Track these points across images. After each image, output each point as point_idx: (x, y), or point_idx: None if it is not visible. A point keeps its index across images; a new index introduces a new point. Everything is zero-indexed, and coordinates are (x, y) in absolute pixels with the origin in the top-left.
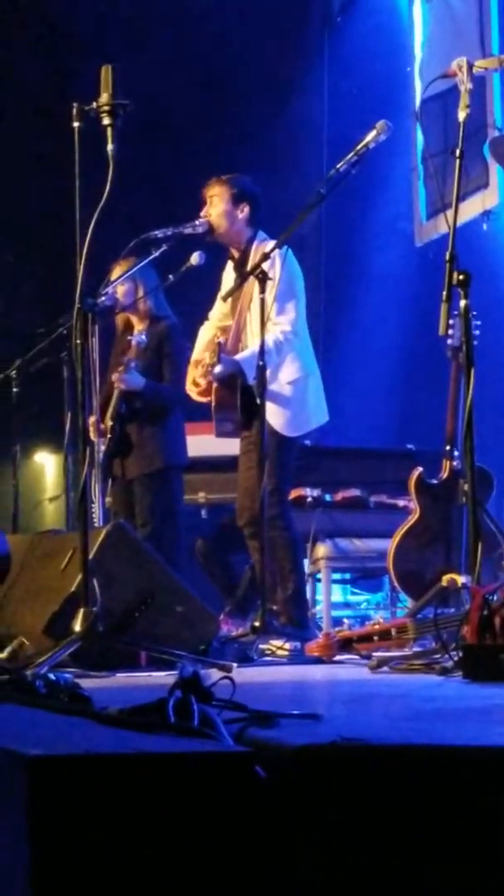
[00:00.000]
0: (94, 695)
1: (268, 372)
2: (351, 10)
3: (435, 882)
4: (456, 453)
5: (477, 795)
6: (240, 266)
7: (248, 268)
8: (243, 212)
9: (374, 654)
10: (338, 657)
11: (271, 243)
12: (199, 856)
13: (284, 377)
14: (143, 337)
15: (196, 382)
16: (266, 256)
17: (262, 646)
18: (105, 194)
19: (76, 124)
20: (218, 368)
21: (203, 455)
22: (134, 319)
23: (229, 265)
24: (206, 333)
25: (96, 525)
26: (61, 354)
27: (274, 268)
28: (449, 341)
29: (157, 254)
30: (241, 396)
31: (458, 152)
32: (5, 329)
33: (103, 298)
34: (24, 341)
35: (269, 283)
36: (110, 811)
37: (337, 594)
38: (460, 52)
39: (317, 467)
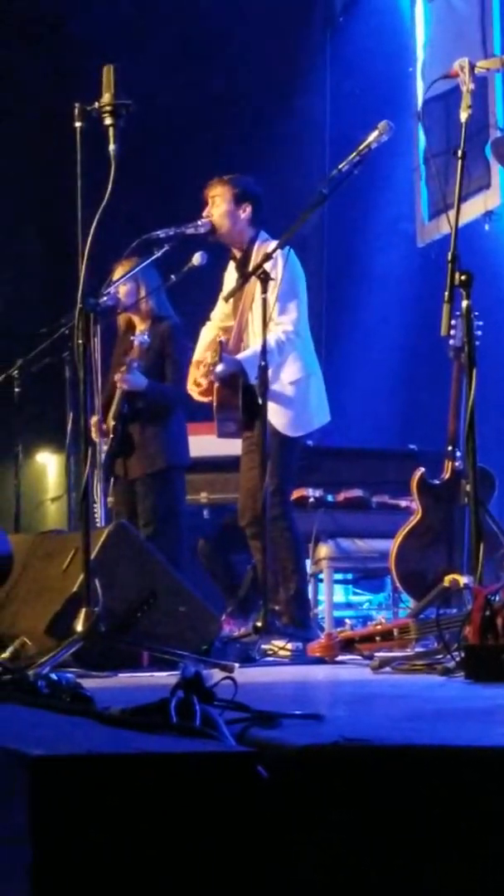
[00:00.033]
0: (96, 695)
1: (269, 372)
2: (353, 10)
3: (436, 882)
4: (458, 454)
5: (479, 796)
6: (241, 266)
7: (250, 268)
8: (245, 212)
9: (377, 654)
10: (340, 657)
11: (273, 243)
12: (200, 856)
13: (286, 377)
14: (146, 337)
15: (197, 382)
16: (268, 257)
17: (264, 646)
18: (107, 194)
19: (78, 124)
20: (219, 367)
21: (205, 455)
22: (136, 319)
23: (231, 265)
24: (208, 334)
25: (98, 525)
26: (63, 354)
27: (276, 268)
28: (451, 342)
29: (159, 254)
30: (242, 396)
31: (459, 153)
32: (7, 329)
33: (105, 298)
34: (25, 341)
35: (271, 284)
36: (112, 811)
37: (339, 594)
38: (462, 52)
39: (319, 467)
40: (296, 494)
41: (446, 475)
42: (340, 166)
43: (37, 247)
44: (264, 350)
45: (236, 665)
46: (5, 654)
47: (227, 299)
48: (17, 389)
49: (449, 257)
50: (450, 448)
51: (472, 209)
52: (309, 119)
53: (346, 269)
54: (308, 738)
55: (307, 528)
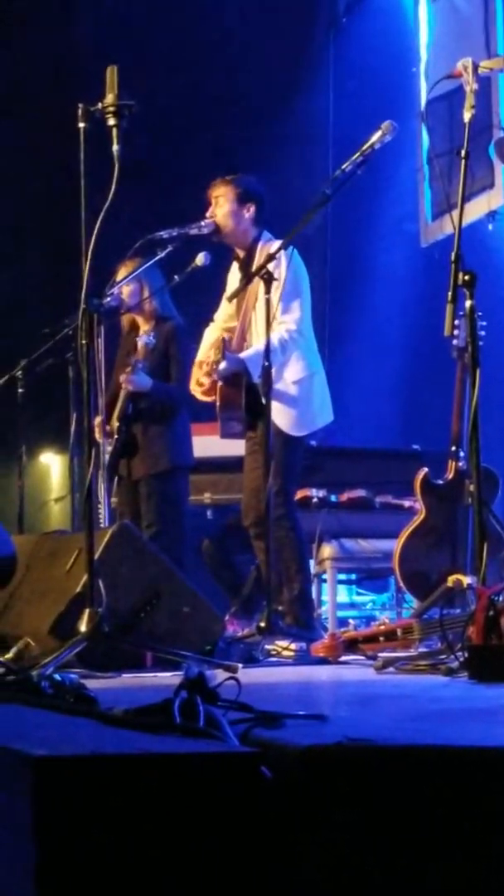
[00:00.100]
0: (99, 695)
1: (273, 371)
2: (356, 10)
3: (440, 882)
4: (461, 454)
5: (482, 796)
6: (245, 266)
7: (254, 268)
8: (249, 211)
9: (380, 654)
10: (343, 658)
11: (276, 243)
12: (204, 856)
13: (290, 376)
14: (152, 338)
15: (200, 382)
16: (271, 257)
17: (267, 646)
18: (110, 195)
19: (82, 125)
20: (222, 365)
21: (208, 456)
22: (139, 320)
23: (234, 266)
24: (212, 335)
25: (102, 526)
26: (67, 355)
27: (279, 268)
28: (454, 342)
29: (162, 254)
30: (245, 395)
31: (463, 153)
32: (11, 329)
33: (109, 299)
34: (29, 342)
35: (275, 284)
36: (115, 811)
37: (342, 595)
38: (466, 52)
39: (322, 468)
40: (299, 495)
41: (450, 475)
42: (344, 166)
43: (37, 247)
44: (268, 350)
45: (240, 665)
46: (9, 655)
47: (230, 300)
48: (20, 390)
49: (452, 257)
50: (453, 448)
51: (476, 209)
52: (312, 119)
53: (349, 270)
54: (311, 739)
55: (311, 528)
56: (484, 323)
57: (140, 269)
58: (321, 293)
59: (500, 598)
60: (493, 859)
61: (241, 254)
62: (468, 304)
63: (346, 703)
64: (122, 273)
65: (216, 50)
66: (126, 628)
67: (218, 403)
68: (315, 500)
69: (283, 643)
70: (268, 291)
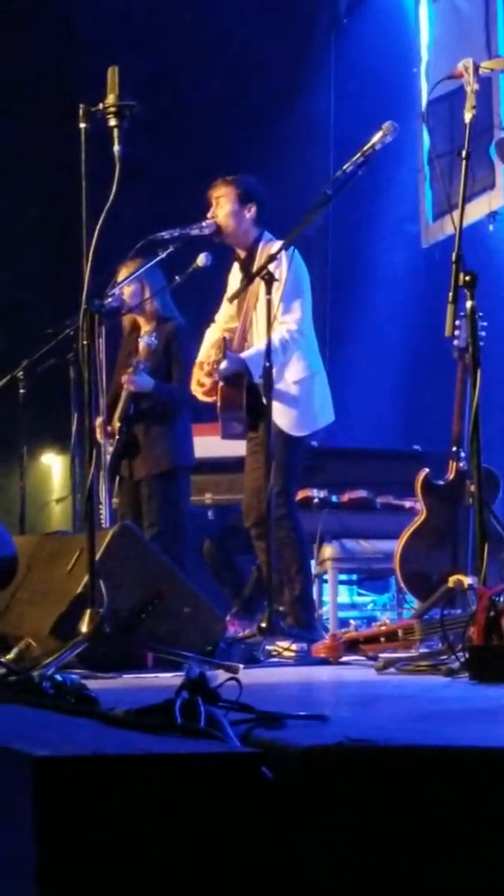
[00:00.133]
0: (100, 696)
1: (274, 371)
2: (357, 11)
3: (440, 882)
4: (462, 454)
5: (483, 796)
6: (246, 266)
7: (255, 269)
8: (250, 211)
9: (381, 655)
10: (344, 658)
11: (277, 244)
12: (205, 856)
13: (290, 376)
14: (154, 339)
15: (201, 383)
16: (273, 258)
17: (268, 647)
18: (111, 195)
19: (83, 125)
20: (223, 364)
21: (209, 456)
22: (140, 320)
23: (235, 266)
24: (212, 335)
25: (103, 526)
26: (68, 355)
27: (280, 268)
28: (455, 342)
29: (163, 255)
30: (246, 395)
31: (464, 153)
32: (12, 330)
33: (110, 300)
34: (30, 342)
35: (276, 284)
36: (116, 812)
37: (343, 595)
38: (467, 53)
39: (323, 468)
40: (300, 495)
41: (451, 476)
42: (345, 167)
43: (37, 247)
44: (269, 350)
45: (241, 666)
46: (10, 655)
47: (231, 300)
48: (22, 390)
49: (453, 258)
50: (454, 449)
51: (477, 210)
52: (313, 120)
53: (350, 270)
54: (312, 739)
55: (311, 528)
56: (485, 323)
57: (141, 270)
58: (322, 293)
59: (501, 599)
60: (494, 859)
61: (242, 254)
62: (469, 304)
63: (346, 704)
64: (123, 273)
65: (216, 50)
66: (127, 629)
67: (219, 404)
68: (316, 500)
69: (284, 644)
70: (269, 292)
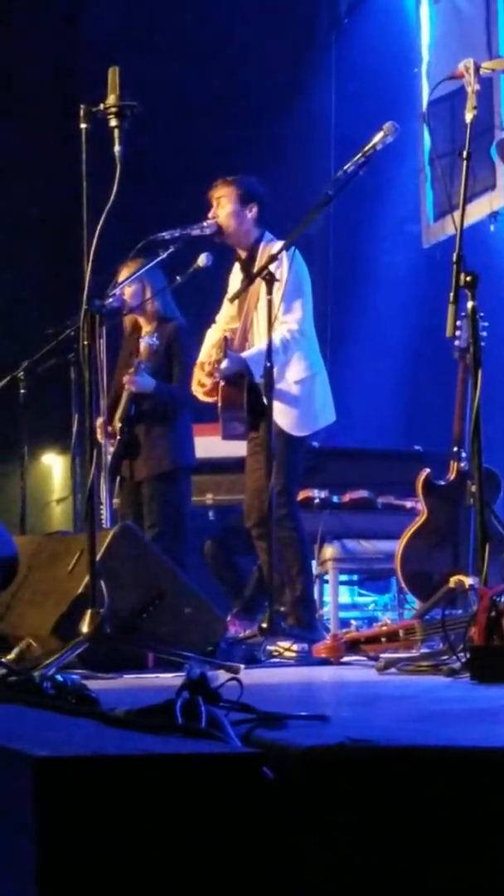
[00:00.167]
0: (101, 696)
1: (275, 371)
2: (358, 11)
3: (442, 883)
4: (463, 454)
5: (484, 796)
6: (247, 266)
7: (256, 269)
8: (251, 212)
9: (382, 655)
10: (345, 658)
11: (278, 244)
12: (206, 857)
13: (291, 376)
14: (155, 339)
15: (202, 383)
16: (273, 258)
17: (269, 647)
18: (112, 196)
19: (83, 126)
20: (224, 364)
21: (210, 457)
22: (141, 321)
23: (236, 267)
24: (213, 336)
25: (104, 526)
26: (69, 356)
27: (281, 269)
28: (456, 342)
29: (164, 255)
30: (247, 395)
31: (465, 154)
32: (13, 330)
33: (111, 300)
34: (31, 343)
35: (276, 285)
36: (117, 812)
37: (344, 595)
38: (467, 53)
39: (324, 468)
40: (301, 495)
41: (452, 476)
42: (346, 167)
43: (37, 247)
44: (270, 350)
45: (242, 666)
46: (11, 656)
47: (232, 301)
48: (22, 391)
49: (454, 258)
50: (455, 449)
51: (478, 210)
52: (314, 120)
53: (351, 270)
54: (313, 739)
55: (312, 528)
56: (486, 324)
57: (142, 270)
58: (323, 294)
59: (502, 599)
60: (496, 860)
61: (242, 255)
62: (470, 304)
63: (347, 704)
64: (124, 274)
65: (216, 50)
66: (128, 629)
67: (220, 404)
68: (317, 500)
69: (285, 644)
70: (269, 292)
